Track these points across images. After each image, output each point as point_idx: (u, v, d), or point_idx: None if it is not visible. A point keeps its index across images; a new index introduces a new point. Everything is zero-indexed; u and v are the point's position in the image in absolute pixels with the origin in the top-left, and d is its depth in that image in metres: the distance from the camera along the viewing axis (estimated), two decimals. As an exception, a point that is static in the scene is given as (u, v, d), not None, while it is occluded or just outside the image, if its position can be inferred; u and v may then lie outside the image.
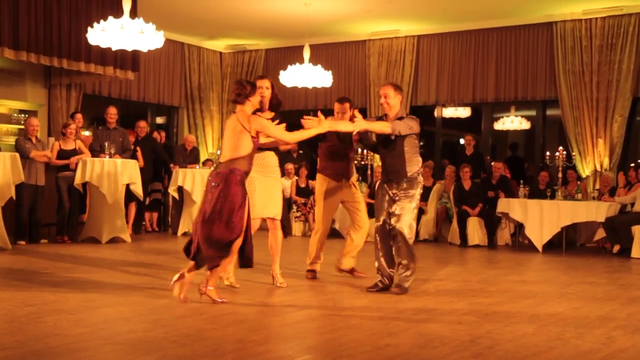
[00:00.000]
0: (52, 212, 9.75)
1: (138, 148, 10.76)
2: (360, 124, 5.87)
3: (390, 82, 6.26)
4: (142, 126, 11.33)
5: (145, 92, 13.74)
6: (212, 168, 5.58)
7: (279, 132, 5.68)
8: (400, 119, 6.08)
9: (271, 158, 6.32)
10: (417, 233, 11.42)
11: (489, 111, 13.17)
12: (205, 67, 14.85)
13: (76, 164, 9.50)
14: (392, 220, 6.03)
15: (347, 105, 6.77)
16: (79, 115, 10.79)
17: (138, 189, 9.93)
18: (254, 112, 5.71)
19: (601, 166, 11.41)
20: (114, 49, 9.00)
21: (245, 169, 5.50)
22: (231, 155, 5.47)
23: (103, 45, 8.86)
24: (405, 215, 6.01)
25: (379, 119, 6.38)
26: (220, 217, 5.34)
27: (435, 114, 13.51)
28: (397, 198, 6.06)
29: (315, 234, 6.96)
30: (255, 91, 5.64)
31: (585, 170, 11.55)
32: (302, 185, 12.28)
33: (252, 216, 5.83)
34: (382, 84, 6.37)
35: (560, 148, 10.68)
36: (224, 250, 5.37)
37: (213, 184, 5.43)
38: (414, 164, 6.12)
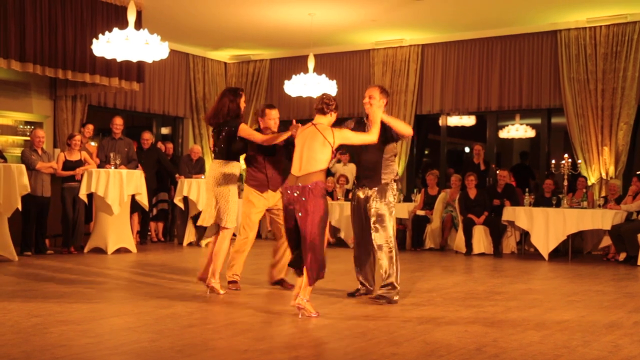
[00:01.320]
0: (58, 223, 9.77)
1: (139, 163, 10.77)
2: (384, 118, 5.96)
3: (379, 85, 6.19)
4: (147, 138, 11.34)
5: (150, 102, 13.79)
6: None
7: (361, 137, 5.81)
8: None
9: (234, 168, 6.46)
10: (423, 241, 11.45)
11: (493, 119, 13.16)
12: (210, 78, 14.90)
13: (81, 175, 9.53)
14: (373, 237, 6.07)
15: (277, 112, 6.80)
16: (90, 126, 10.85)
17: (144, 200, 9.95)
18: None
19: (607, 174, 11.38)
20: (118, 60, 9.03)
21: (325, 180, 5.54)
22: (313, 168, 5.43)
23: (108, 57, 8.89)
24: (385, 230, 6.05)
25: (358, 121, 6.33)
26: (320, 232, 5.37)
27: (440, 122, 13.51)
28: (371, 206, 6.09)
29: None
30: (338, 108, 5.74)
31: (590, 178, 11.53)
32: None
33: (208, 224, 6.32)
34: (370, 85, 6.32)
35: (566, 156, 10.67)
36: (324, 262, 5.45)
37: (303, 198, 5.36)
38: (389, 172, 6.17)
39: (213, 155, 6.68)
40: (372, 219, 6.08)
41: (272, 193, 6.70)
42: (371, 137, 5.81)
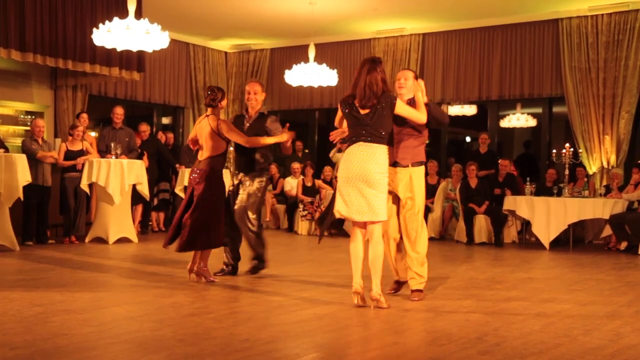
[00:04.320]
0: (59, 213, 9.77)
1: (145, 152, 10.79)
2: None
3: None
4: (143, 130, 11.28)
5: (150, 92, 13.77)
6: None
7: (237, 135, 6.45)
8: None
9: None
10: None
11: (494, 109, 13.14)
12: (211, 67, 14.87)
13: (82, 165, 9.52)
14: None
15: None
16: (84, 115, 10.78)
17: (145, 189, 9.95)
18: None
19: (608, 163, 11.37)
20: (119, 49, 9.02)
21: (221, 167, 6.48)
22: (210, 154, 6.38)
23: (108, 46, 8.87)
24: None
25: (237, 117, 6.96)
26: (214, 210, 6.39)
27: (441, 112, 13.45)
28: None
29: None
30: (225, 97, 6.52)
31: (592, 167, 11.52)
32: (309, 184, 12.28)
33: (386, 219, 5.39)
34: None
35: (567, 145, 10.66)
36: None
37: (198, 180, 6.35)
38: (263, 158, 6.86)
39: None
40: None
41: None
42: (242, 138, 6.48)
